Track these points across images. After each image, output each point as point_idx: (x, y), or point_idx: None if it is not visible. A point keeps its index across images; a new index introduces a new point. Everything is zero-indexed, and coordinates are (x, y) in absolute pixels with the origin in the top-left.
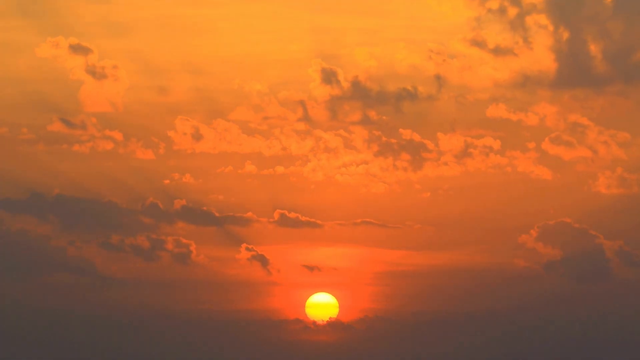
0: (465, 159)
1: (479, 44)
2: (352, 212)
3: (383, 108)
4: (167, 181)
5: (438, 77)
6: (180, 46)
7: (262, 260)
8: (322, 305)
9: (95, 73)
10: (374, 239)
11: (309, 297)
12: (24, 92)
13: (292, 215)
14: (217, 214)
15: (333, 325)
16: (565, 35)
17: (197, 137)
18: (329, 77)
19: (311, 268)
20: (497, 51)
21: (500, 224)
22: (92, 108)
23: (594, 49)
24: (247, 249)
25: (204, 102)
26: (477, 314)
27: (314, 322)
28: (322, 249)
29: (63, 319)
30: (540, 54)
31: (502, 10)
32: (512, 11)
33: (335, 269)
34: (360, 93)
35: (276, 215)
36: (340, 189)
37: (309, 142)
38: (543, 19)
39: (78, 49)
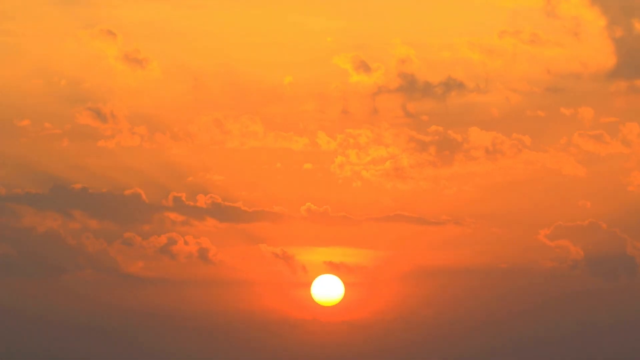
0: (496, 155)
1: (513, 36)
2: (380, 208)
3: (415, 103)
4: (191, 178)
5: (471, 71)
6: (211, 41)
7: (288, 258)
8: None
9: (126, 66)
10: (403, 236)
11: (332, 294)
12: (52, 83)
13: (322, 210)
14: (245, 210)
15: (354, 324)
16: (605, 30)
17: (225, 132)
18: (360, 72)
19: (337, 265)
20: (534, 44)
21: (528, 221)
22: (120, 102)
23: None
24: (271, 246)
25: (233, 97)
26: (503, 314)
27: (337, 321)
28: (351, 245)
29: (84, 317)
30: (578, 49)
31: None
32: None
33: (363, 267)
34: (391, 88)
35: (305, 211)
36: (368, 185)
37: (338, 137)
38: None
39: (108, 40)
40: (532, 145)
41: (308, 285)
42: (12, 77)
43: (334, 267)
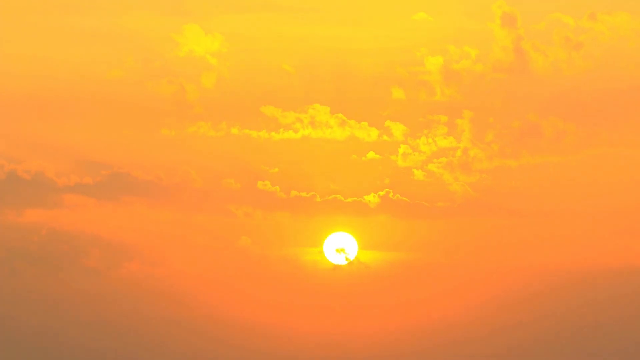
0: (572, 146)
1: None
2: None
3: (483, 90)
4: (266, 167)
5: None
6: (286, 31)
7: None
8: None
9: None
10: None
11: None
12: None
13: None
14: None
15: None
16: None
17: (286, 124)
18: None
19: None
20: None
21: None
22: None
23: None
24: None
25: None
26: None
27: None
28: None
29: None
30: None
31: None
32: None
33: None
34: (460, 77)
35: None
36: (431, 176)
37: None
38: None
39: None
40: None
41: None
42: None
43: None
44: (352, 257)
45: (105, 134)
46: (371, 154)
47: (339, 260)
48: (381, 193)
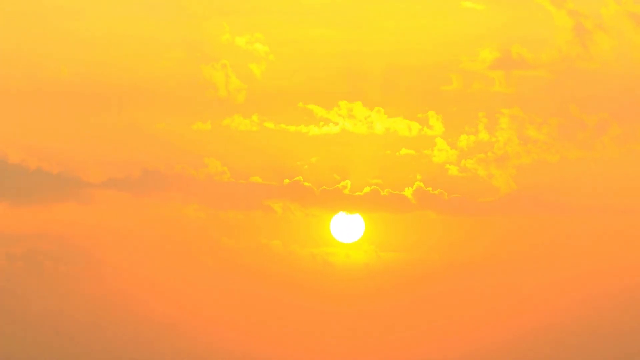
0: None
1: None
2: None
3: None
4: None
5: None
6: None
7: None
8: None
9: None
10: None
11: None
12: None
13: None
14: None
15: None
16: None
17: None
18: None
19: None
20: None
21: None
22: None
23: None
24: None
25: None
26: None
27: None
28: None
29: None
30: None
31: None
32: None
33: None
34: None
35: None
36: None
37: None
38: None
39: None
40: None
41: None
42: None
43: None
44: (385, 254)
45: (137, 127)
46: (407, 150)
47: (372, 257)
48: (412, 188)
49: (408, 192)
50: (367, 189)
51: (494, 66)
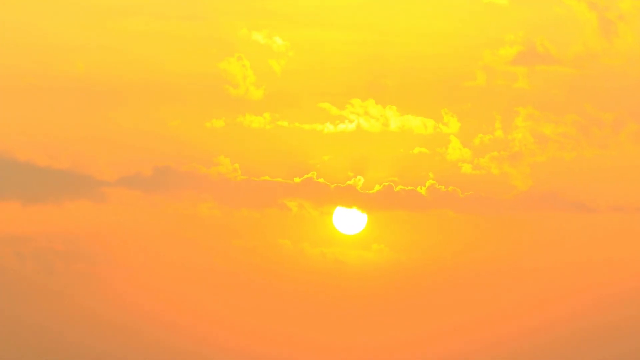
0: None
1: None
2: None
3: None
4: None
5: None
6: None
7: None
8: None
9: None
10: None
11: None
12: None
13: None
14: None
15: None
16: None
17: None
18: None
19: None
20: None
21: None
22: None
23: None
24: None
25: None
26: None
27: None
28: None
29: None
30: None
31: None
32: None
33: None
34: None
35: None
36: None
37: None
38: None
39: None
40: None
41: None
42: None
43: None
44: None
45: (152, 124)
46: (421, 147)
47: (385, 255)
48: (426, 185)
49: (422, 189)
50: (378, 187)
51: (516, 62)
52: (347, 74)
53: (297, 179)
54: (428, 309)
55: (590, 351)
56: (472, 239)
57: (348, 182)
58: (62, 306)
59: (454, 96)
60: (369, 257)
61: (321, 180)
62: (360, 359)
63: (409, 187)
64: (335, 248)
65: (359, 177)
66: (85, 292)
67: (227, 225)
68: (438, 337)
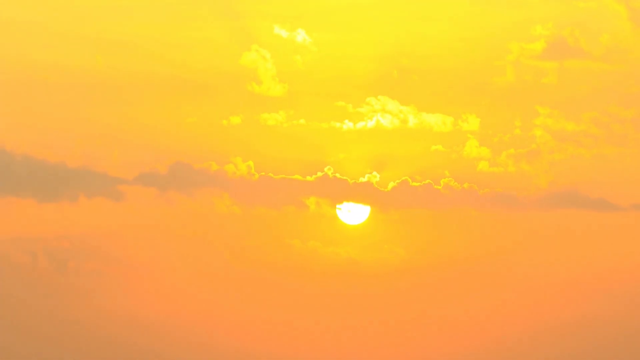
0: None
1: None
2: None
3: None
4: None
5: None
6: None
7: None
8: None
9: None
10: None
11: None
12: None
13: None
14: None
15: None
16: None
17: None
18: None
19: None
20: None
21: None
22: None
23: None
24: None
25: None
26: None
27: None
28: None
29: None
30: None
31: None
32: None
33: None
34: None
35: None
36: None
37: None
38: None
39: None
40: None
41: None
42: None
43: None
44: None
45: (169, 121)
46: (439, 144)
47: (401, 254)
48: (442, 182)
49: (438, 187)
50: (393, 184)
51: (545, 56)
52: (367, 70)
53: (309, 178)
54: (443, 307)
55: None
56: (489, 236)
57: (364, 180)
58: (77, 304)
59: (476, 93)
60: (382, 256)
61: (339, 175)
62: (378, 358)
63: (426, 181)
64: (348, 247)
65: (374, 173)
66: (102, 290)
67: (243, 223)
68: (454, 335)
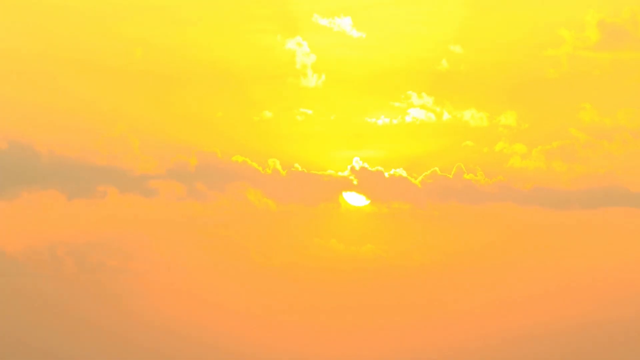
0: None
1: None
2: None
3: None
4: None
5: None
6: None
7: None
8: None
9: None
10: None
11: None
12: None
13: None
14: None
15: None
16: None
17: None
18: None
19: None
20: None
21: None
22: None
23: None
24: None
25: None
26: None
27: None
28: None
29: None
30: None
31: None
32: None
33: None
34: None
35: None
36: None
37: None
38: None
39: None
40: None
41: None
42: None
43: None
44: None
45: (200, 115)
46: (473, 139)
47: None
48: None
49: (474, 182)
50: (426, 180)
51: (599, 47)
52: (406, 65)
53: (334, 174)
54: (474, 302)
55: None
56: (526, 231)
57: (396, 175)
58: (105, 304)
59: (516, 88)
60: (412, 252)
61: (373, 168)
62: (406, 357)
63: (464, 177)
64: (379, 244)
65: (403, 168)
66: (130, 289)
67: (274, 219)
68: (487, 331)
